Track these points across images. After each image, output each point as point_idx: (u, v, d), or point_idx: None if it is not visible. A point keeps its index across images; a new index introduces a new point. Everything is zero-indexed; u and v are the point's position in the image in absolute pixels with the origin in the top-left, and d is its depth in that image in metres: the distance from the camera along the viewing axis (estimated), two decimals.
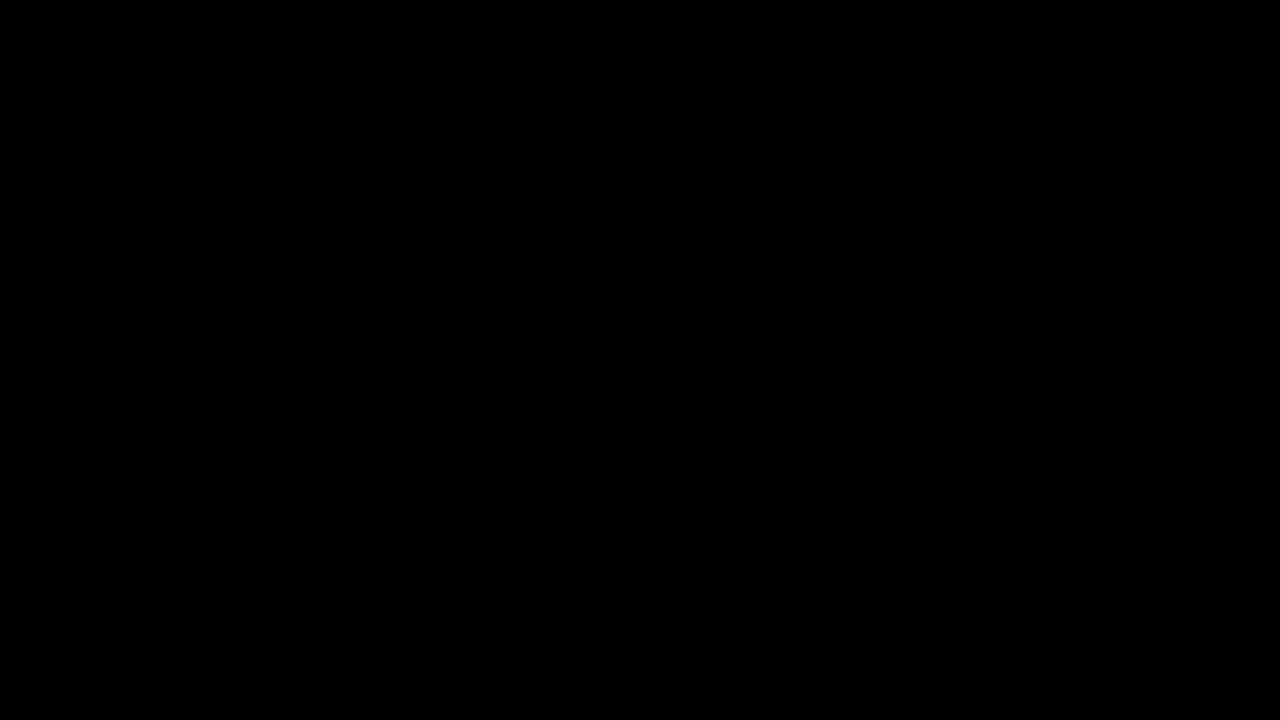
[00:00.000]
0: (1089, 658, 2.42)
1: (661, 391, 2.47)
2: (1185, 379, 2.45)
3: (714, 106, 2.49)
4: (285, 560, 2.44)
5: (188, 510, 2.45)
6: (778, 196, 2.49)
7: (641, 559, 2.45)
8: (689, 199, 2.49)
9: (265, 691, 2.43)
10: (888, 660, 2.43)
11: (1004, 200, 2.48)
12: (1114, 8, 2.47)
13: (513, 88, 2.50)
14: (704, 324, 2.47)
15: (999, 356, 2.46)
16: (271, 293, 2.47)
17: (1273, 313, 2.45)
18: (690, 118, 2.49)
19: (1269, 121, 2.46)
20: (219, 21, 2.49)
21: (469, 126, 2.50)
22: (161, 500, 2.45)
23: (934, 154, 2.48)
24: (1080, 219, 2.47)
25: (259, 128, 2.49)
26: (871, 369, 2.47)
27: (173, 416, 2.46)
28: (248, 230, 2.48)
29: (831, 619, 2.44)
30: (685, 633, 2.44)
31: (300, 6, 2.49)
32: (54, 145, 2.49)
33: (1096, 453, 2.45)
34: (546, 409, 2.47)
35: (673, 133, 2.49)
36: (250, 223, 2.48)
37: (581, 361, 2.47)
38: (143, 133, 2.49)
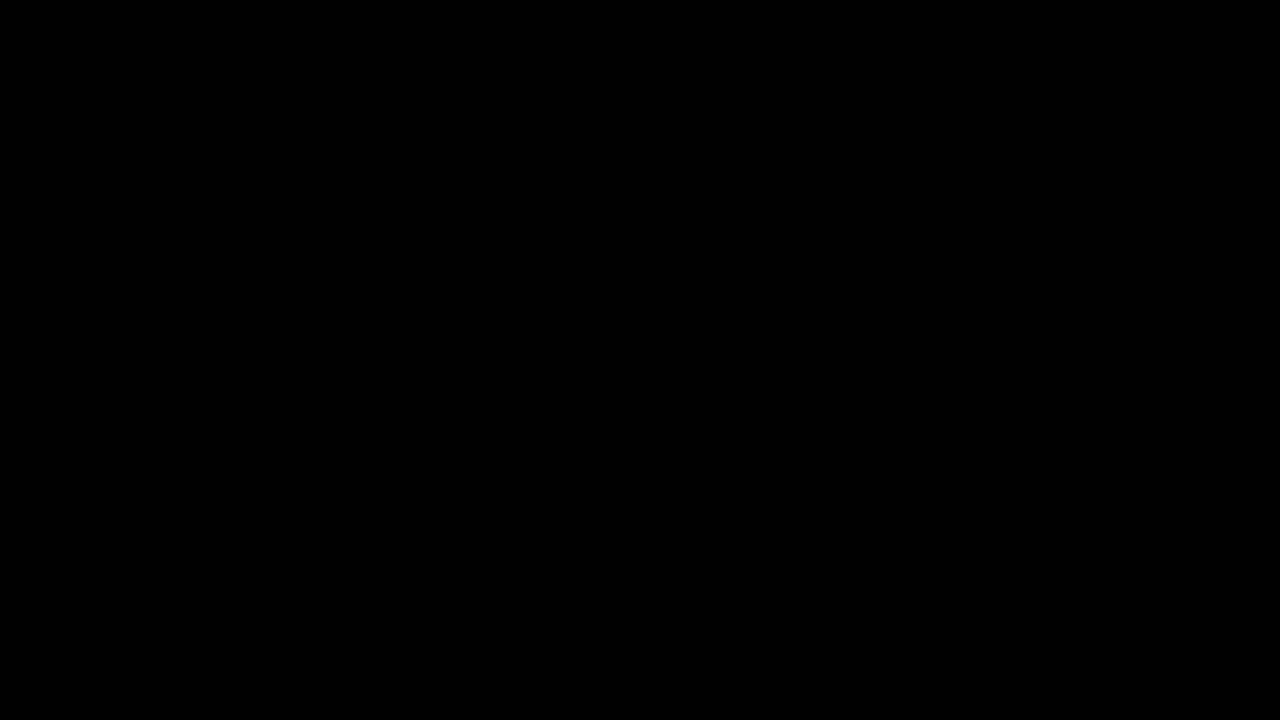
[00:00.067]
0: (1089, 658, 2.42)
1: (661, 391, 2.47)
2: (1185, 379, 2.46)
3: (714, 107, 2.50)
4: (285, 560, 2.45)
5: (188, 510, 2.45)
6: (778, 196, 2.49)
7: (641, 559, 2.45)
8: (689, 199, 2.49)
9: (265, 691, 2.43)
10: (888, 660, 2.43)
11: (1004, 200, 2.48)
12: (1114, 8, 2.48)
13: (513, 88, 2.50)
14: (704, 324, 2.48)
15: (999, 356, 2.46)
16: (271, 292, 2.48)
17: (1273, 313, 2.45)
18: (690, 118, 2.50)
19: (1269, 121, 2.47)
20: (219, 21, 2.49)
21: (469, 126, 2.50)
22: (161, 500, 2.45)
23: (934, 154, 2.49)
24: (1080, 219, 2.48)
25: (259, 128, 2.49)
26: (871, 369, 2.47)
27: (173, 416, 2.46)
28: (248, 230, 2.48)
29: (831, 619, 2.44)
30: (685, 633, 2.44)
31: (300, 6, 2.49)
32: (54, 145, 2.49)
33: (1096, 453, 2.45)
34: (546, 409, 2.47)
35: (673, 133, 2.50)
36: (250, 223, 2.49)
37: (581, 361, 2.47)
38: (143, 133, 2.49)
